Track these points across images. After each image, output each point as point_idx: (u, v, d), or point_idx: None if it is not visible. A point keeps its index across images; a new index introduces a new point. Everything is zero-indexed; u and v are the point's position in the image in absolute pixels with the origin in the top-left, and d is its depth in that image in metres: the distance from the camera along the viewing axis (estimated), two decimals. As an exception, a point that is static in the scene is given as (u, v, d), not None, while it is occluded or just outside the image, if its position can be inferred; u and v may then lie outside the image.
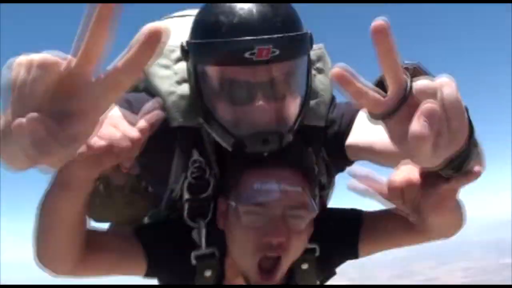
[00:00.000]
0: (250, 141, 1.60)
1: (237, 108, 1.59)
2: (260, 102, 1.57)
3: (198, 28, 1.63)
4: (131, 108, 1.56)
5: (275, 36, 1.50)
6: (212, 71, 1.58)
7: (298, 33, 1.59)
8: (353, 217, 1.98)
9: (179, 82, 1.79)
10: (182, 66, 1.78)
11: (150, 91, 1.79)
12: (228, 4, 1.56)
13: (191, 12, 1.93)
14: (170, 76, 1.81)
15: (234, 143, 1.62)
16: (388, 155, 1.46)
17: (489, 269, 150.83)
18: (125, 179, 2.06)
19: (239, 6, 1.54)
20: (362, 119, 1.75)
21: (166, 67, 1.82)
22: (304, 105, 1.68)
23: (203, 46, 1.58)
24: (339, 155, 1.83)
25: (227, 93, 1.59)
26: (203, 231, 1.78)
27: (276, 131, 1.61)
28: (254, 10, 1.53)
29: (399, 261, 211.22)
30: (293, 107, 1.66)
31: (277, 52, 1.49)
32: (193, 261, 1.74)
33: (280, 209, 1.63)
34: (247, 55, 1.47)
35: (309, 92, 1.70)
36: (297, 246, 1.70)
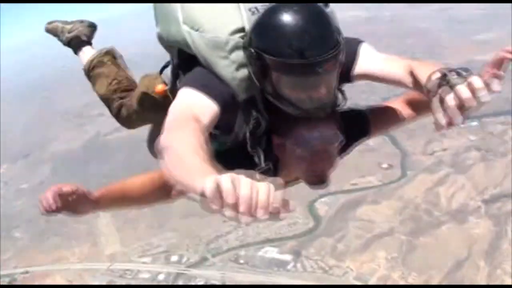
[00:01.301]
0: (314, 111, 2.97)
1: (306, 93, 2.88)
2: (322, 90, 2.89)
3: (273, 42, 2.74)
4: (209, 92, 2.87)
5: (332, 53, 2.76)
6: (290, 71, 2.77)
7: (341, 45, 2.85)
8: (364, 112, 3.80)
9: (237, 69, 2.99)
10: (236, 55, 2.95)
11: (213, 72, 3.01)
12: (293, 24, 2.69)
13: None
14: (228, 65, 2.97)
15: (301, 113, 2.95)
16: (394, 81, 3.02)
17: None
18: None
19: (303, 24, 2.72)
20: (366, 52, 3.26)
21: (224, 57, 2.97)
22: (340, 82, 3.12)
23: (286, 64, 2.73)
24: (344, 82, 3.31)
25: (297, 85, 2.84)
26: (261, 155, 3.16)
27: (329, 105, 3.06)
28: (315, 33, 2.74)
29: None
30: (335, 86, 3.06)
31: (335, 63, 2.83)
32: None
33: (323, 146, 3.12)
34: (318, 69, 2.72)
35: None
36: (336, 161, 3.33)
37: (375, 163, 68.23)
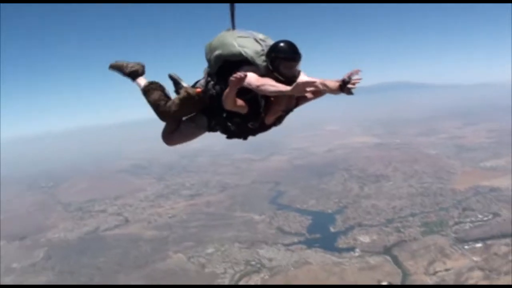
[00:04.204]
0: (292, 78, 7.14)
1: (291, 70, 7.17)
2: (296, 70, 7.23)
3: (282, 50, 7.12)
4: (256, 71, 7.17)
5: (300, 56, 7.21)
6: (289, 60, 7.13)
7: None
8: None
9: (263, 61, 7.26)
10: (263, 57, 7.28)
11: (255, 64, 7.30)
12: (288, 44, 7.14)
13: (246, 34, 7.65)
14: (262, 60, 7.28)
15: (287, 78, 7.10)
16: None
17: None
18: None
19: (292, 44, 7.16)
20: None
21: (260, 57, 7.29)
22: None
23: (287, 57, 7.12)
24: None
25: (288, 66, 7.15)
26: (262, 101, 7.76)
27: (296, 77, 7.21)
28: (296, 46, 7.16)
29: (425, 119, 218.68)
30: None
31: (300, 60, 7.26)
32: None
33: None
34: (297, 60, 7.21)
35: None
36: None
37: (374, 281, 66.90)
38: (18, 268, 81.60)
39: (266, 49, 7.34)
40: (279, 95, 7.17)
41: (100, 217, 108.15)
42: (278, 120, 7.93)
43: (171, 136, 8.42)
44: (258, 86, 6.90)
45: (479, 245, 72.87)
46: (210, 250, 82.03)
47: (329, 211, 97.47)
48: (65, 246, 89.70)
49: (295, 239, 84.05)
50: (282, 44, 7.17)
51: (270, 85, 6.79)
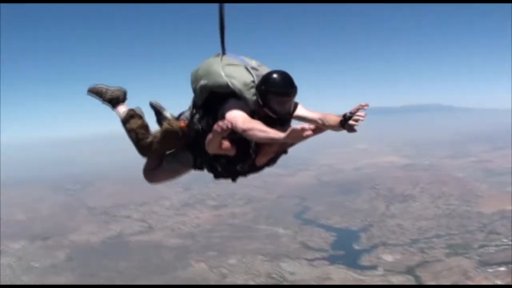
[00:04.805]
0: (284, 116, 6.10)
1: (283, 107, 6.02)
2: (289, 106, 6.09)
3: (273, 83, 5.91)
4: (244, 109, 6.00)
5: (295, 89, 6.03)
6: (281, 95, 5.93)
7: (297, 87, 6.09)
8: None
9: (253, 95, 6.10)
10: (253, 90, 6.08)
11: (242, 97, 6.11)
12: (281, 76, 5.98)
13: (235, 61, 6.44)
14: (251, 93, 6.10)
15: (278, 116, 6.02)
16: (311, 121, 6.19)
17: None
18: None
19: (286, 76, 6.00)
20: (300, 105, 6.59)
21: (249, 90, 6.10)
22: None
23: (279, 91, 5.90)
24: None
25: (281, 102, 5.97)
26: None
27: (289, 114, 6.25)
28: (291, 78, 6.00)
29: (455, 142, 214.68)
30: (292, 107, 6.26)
31: (295, 94, 6.08)
32: None
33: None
34: (291, 95, 6.01)
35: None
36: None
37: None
38: (38, 267, 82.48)
39: (257, 80, 6.16)
40: None
41: (124, 222, 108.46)
42: (271, 161, 6.73)
43: (153, 173, 7.58)
44: (244, 131, 5.65)
45: (503, 268, 71.94)
46: (232, 261, 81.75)
47: (354, 228, 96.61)
48: (88, 249, 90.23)
49: (318, 255, 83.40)
50: (274, 76, 5.97)
51: (259, 130, 5.54)
